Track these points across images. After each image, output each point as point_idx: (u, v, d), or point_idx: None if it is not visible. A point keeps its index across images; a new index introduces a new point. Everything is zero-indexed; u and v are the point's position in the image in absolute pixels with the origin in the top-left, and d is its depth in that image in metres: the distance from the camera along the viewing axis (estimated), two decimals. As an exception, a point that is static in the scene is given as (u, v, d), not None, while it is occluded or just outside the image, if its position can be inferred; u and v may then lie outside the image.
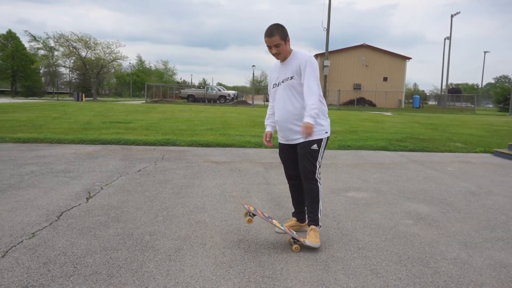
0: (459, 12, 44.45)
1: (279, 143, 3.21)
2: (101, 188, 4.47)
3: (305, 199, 3.12)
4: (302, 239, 2.93)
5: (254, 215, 2.95)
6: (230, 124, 12.88)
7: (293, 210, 3.36)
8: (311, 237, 2.94)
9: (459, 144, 9.59)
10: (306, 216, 3.12)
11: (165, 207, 3.82)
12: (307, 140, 2.94)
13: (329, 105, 35.65)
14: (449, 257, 2.87)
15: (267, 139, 3.23)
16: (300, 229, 3.27)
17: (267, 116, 3.33)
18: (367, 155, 7.65)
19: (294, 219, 3.33)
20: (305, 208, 3.17)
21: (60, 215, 3.49)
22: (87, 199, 4.02)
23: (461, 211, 4.03)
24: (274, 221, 3.05)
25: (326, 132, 3.03)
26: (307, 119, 2.82)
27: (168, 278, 2.41)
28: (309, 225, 3.04)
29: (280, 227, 3.01)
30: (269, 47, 2.94)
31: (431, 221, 3.69)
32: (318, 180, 3.00)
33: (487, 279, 2.54)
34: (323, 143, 3.02)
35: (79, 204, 3.83)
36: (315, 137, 2.94)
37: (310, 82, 2.89)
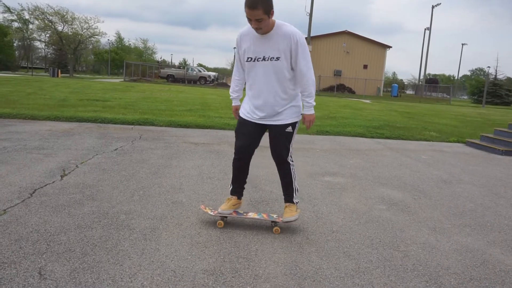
0: (440, 3, 44.91)
1: (244, 119, 2.95)
2: (76, 166, 4.40)
3: (280, 181, 3.07)
4: (279, 219, 2.97)
5: (225, 217, 3.02)
6: (210, 105, 12.78)
7: (232, 187, 3.12)
8: (286, 214, 2.96)
9: (434, 133, 9.82)
10: (283, 195, 3.08)
11: (142, 187, 3.80)
12: (283, 123, 2.87)
13: (309, 90, 35.84)
14: (418, 241, 2.97)
15: (235, 114, 3.11)
16: (239, 206, 3.11)
17: (233, 88, 3.09)
18: (344, 141, 7.75)
19: (235, 197, 3.09)
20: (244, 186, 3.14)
21: (33, 192, 3.43)
22: (62, 176, 3.95)
23: (432, 198, 4.16)
24: (250, 214, 3.07)
25: (301, 114, 2.96)
26: (311, 111, 2.85)
27: (143, 257, 2.41)
28: (285, 203, 3.05)
29: (257, 216, 3.03)
30: (249, 20, 2.59)
31: (404, 206, 3.80)
32: (291, 162, 2.98)
33: (453, 263, 2.64)
34: (297, 125, 2.95)
35: (53, 182, 3.76)
36: (290, 120, 2.87)
37: (305, 68, 2.76)
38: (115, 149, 5.41)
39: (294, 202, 3.03)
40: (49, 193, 3.44)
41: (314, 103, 2.85)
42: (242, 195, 3.15)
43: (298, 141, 7.27)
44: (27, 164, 4.31)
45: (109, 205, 3.24)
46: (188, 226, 2.94)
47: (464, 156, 7.12)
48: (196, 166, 4.77)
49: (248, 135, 2.94)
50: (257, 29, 2.64)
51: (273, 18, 2.67)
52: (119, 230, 2.78)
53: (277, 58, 2.72)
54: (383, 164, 5.78)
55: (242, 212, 3.11)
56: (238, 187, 3.11)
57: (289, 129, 2.88)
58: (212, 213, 3.03)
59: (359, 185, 4.48)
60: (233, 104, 3.15)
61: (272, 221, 3.00)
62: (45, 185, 3.63)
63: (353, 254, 2.67)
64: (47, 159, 4.61)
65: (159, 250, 2.52)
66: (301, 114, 2.94)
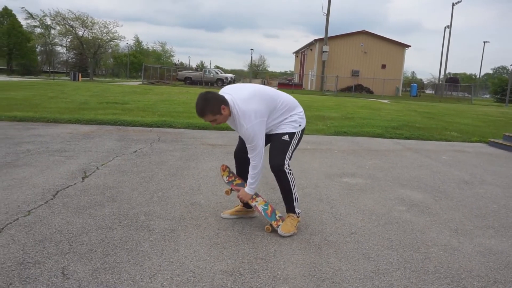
0: (461, 1, 44.03)
1: None
2: (97, 168, 4.48)
3: (280, 192, 3.02)
4: (276, 225, 2.92)
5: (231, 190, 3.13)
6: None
7: None
8: (284, 225, 2.91)
9: (455, 133, 9.63)
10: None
11: (161, 188, 3.84)
12: (279, 132, 2.90)
13: (326, 91, 35.62)
14: (440, 243, 2.92)
15: None
16: (246, 214, 3.22)
17: None
18: (363, 142, 7.67)
19: (241, 204, 3.21)
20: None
21: (56, 193, 3.50)
22: (83, 178, 4.03)
23: (453, 199, 4.08)
24: (258, 199, 3.05)
25: (300, 125, 2.95)
26: (248, 191, 2.90)
27: (163, 257, 2.44)
28: (287, 213, 3.01)
29: (260, 208, 2.99)
30: None
31: (424, 208, 3.74)
32: (287, 171, 2.88)
33: (476, 265, 2.58)
34: (296, 136, 2.93)
35: (75, 184, 3.84)
36: (286, 130, 2.90)
37: (249, 152, 2.81)
38: (134, 151, 5.48)
39: (296, 212, 2.98)
40: (71, 194, 3.51)
41: (253, 186, 2.89)
42: (250, 206, 3.15)
43: (316, 142, 7.24)
44: (49, 166, 4.41)
45: (129, 206, 3.29)
46: (207, 227, 2.96)
47: (486, 156, 6.96)
48: (214, 168, 4.80)
49: (241, 139, 3.08)
50: (217, 125, 2.82)
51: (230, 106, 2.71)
52: (139, 231, 2.82)
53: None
54: (402, 164, 5.70)
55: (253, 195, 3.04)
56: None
57: (286, 137, 2.89)
58: (226, 180, 3.19)
59: (378, 186, 4.43)
60: None
61: (271, 224, 2.94)
62: (67, 187, 3.71)
63: (373, 256, 2.64)
64: (69, 161, 4.71)
65: (178, 251, 2.54)
66: (299, 129, 2.95)
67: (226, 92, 2.81)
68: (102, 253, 2.44)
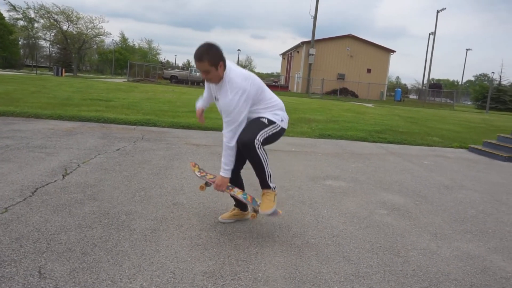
0: (445, 8, 44.86)
1: None
2: (78, 165, 4.41)
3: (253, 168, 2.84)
4: (258, 208, 2.85)
5: (207, 183, 3.04)
6: (212, 107, 12.75)
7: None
8: (263, 204, 2.80)
9: (436, 138, 9.79)
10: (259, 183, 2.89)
11: (143, 188, 3.80)
12: (259, 115, 2.82)
13: (312, 93, 35.81)
14: (419, 247, 2.96)
15: (199, 115, 3.31)
16: (243, 217, 3.19)
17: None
18: (346, 145, 7.74)
19: (238, 208, 3.18)
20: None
21: (35, 191, 3.43)
22: (63, 176, 3.96)
23: (433, 204, 4.15)
24: (236, 190, 2.99)
25: (282, 121, 2.87)
26: (223, 174, 2.80)
27: (143, 258, 2.41)
28: (262, 189, 2.87)
29: (241, 196, 2.94)
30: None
31: (405, 212, 3.79)
32: (257, 146, 2.68)
33: (454, 269, 2.63)
34: (275, 126, 2.81)
35: (55, 181, 3.77)
36: (268, 116, 2.82)
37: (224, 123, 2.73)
38: (117, 149, 5.42)
39: (271, 186, 2.84)
40: (50, 192, 3.45)
41: (227, 167, 2.78)
42: (243, 205, 3.15)
43: (300, 144, 7.27)
44: (29, 163, 4.32)
45: (110, 205, 3.25)
46: (189, 228, 2.94)
47: (466, 162, 7.10)
48: (197, 168, 4.77)
49: None
50: (207, 80, 2.73)
51: (231, 67, 2.70)
52: (119, 230, 2.78)
53: None
54: (385, 168, 5.77)
55: (228, 185, 2.96)
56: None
57: (264, 120, 2.79)
58: (198, 174, 3.10)
59: (361, 189, 4.47)
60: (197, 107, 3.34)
61: (254, 209, 2.93)
62: (47, 184, 3.64)
63: (353, 259, 2.66)
64: (49, 158, 4.62)
65: (159, 251, 2.52)
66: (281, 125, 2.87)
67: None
68: (80, 252, 2.40)
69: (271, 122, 2.80)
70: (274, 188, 2.88)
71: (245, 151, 2.71)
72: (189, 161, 5.08)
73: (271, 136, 2.80)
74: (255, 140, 2.67)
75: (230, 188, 2.98)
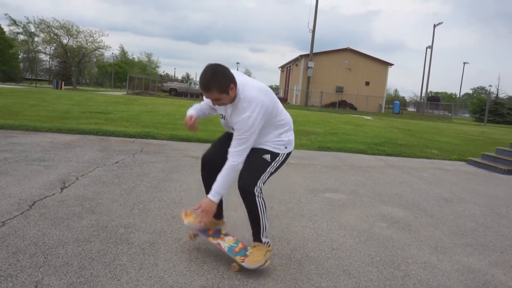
0: (442, 22, 45.34)
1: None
2: (77, 178, 4.39)
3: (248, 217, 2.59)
4: (243, 259, 2.52)
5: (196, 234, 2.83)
6: (212, 120, 12.75)
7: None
8: (251, 257, 2.51)
9: (435, 151, 9.80)
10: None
11: (142, 201, 3.78)
12: (261, 147, 2.56)
13: (311, 106, 35.92)
14: (419, 260, 2.94)
15: (191, 123, 2.71)
16: (217, 225, 2.87)
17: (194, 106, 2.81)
18: (345, 158, 7.74)
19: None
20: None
21: (33, 204, 3.41)
22: (62, 189, 3.95)
23: (433, 217, 4.13)
24: (226, 239, 2.76)
25: (286, 148, 2.61)
26: (211, 200, 2.43)
27: (141, 272, 2.39)
28: (253, 241, 2.60)
29: (226, 248, 2.65)
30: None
31: (405, 225, 3.77)
32: (257, 194, 2.45)
33: (455, 283, 2.61)
34: (279, 159, 2.58)
35: (53, 194, 3.75)
36: (271, 148, 2.56)
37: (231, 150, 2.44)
38: (116, 162, 5.41)
39: (263, 241, 2.56)
40: (48, 205, 3.43)
41: (221, 192, 2.45)
42: (218, 213, 2.77)
43: (299, 157, 7.26)
44: (27, 176, 4.31)
45: (108, 219, 3.23)
46: (187, 241, 2.92)
47: (465, 174, 7.09)
48: (196, 180, 4.75)
49: (220, 138, 2.81)
50: (218, 105, 2.49)
51: (241, 86, 2.41)
52: (117, 244, 2.76)
53: None
54: (384, 181, 5.76)
55: (217, 232, 2.74)
56: None
57: (267, 156, 2.54)
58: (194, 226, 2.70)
59: (360, 202, 4.46)
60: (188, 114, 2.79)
61: (236, 262, 2.53)
62: (45, 197, 3.62)
63: (353, 273, 2.64)
64: (48, 171, 4.61)
65: (157, 265, 2.50)
66: (287, 151, 2.62)
67: (235, 74, 2.43)
68: (78, 266, 2.38)
69: (274, 157, 2.56)
70: (268, 244, 2.58)
71: (243, 196, 2.48)
72: (188, 173, 5.07)
73: (276, 169, 2.60)
74: (255, 188, 2.44)
75: (222, 235, 2.77)
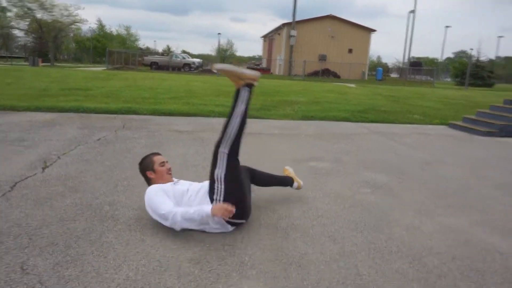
0: (424, -14, 44.89)
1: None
2: (58, 157, 4.32)
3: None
4: None
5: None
6: (194, 93, 12.65)
7: None
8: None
9: (418, 116, 9.91)
10: None
11: (126, 177, 3.75)
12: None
13: (294, 75, 35.74)
14: (403, 223, 3.01)
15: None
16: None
17: None
18: (329, 126, 7.77)
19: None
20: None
21: (14, 185, 3.36)
22: (43, 168, 3.88)
23: (416, 180, 4.21)
24: None
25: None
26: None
27: (128, 247, 2.39)
28: None
29: None
30: None
31: (388, 190, 3.83)
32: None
33: (436, 243, 2.68)
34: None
35: (34, 174, 3.69)
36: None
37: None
38: (98, 139, 5.32)
39: None
40: (30, 186, 3.37)
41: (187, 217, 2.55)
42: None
43: (283, 126, 7.26)
44: (7, 157, 4.22)
45: (92, 197, 3.20)
46: (173, 215, 2.91)
47: (447, 138, 7.21)
48: (180, 154, 4.73)
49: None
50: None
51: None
52: (103, 221, 2.75)
53: None
54: (367, 148, 5.82)
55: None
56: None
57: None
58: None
59: (344, 169, 4.51)
60: None
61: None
62: (26, 178, 3.56)
63: (338, 238, 2.69)
64: (28, 151, 4.52)
65: (144, 240, 2.50)
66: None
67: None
68: (64, 245, 2.37)
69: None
70: None
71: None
72: (187, 149, 5.03)
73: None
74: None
75: None
